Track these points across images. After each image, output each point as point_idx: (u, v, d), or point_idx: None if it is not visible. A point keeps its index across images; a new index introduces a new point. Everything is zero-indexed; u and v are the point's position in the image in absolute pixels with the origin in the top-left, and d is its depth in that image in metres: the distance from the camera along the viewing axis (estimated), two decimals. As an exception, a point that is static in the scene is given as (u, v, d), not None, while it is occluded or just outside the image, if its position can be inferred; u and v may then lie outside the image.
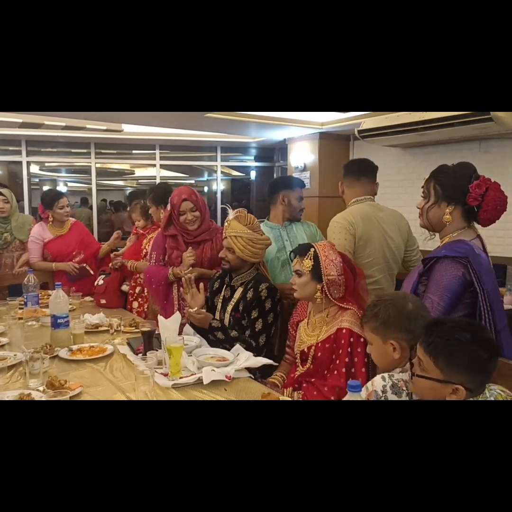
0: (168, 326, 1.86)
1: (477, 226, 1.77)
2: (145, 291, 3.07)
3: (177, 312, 1.98)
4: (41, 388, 1.67)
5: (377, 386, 1.33)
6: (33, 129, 5.39)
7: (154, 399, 1.60)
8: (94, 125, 5.34)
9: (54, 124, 5.10)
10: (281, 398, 1.56)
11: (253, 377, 1.87)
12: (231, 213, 2.24)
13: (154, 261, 2.59)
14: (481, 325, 1.22)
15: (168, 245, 2.53)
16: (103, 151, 6.82)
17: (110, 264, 3.15)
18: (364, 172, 2.49)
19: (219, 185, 7.34)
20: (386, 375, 1.36)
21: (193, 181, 9.02)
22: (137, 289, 3.14)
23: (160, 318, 1.91)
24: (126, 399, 1.63)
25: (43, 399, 1.57)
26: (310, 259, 1.92)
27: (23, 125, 5.16)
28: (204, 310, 2.14)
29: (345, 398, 0.97)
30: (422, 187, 1.82)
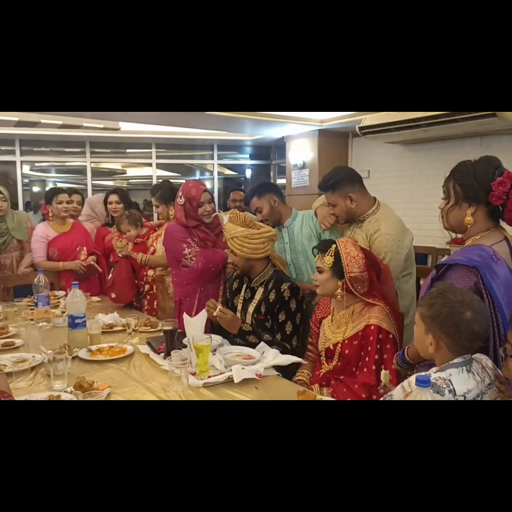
0: (194, 324, 1.83)
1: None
2: (154, 288, 3.03)
3: (203, 310, 1.94)
4: (68, 390, 1.63)
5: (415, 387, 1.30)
6: (29, 127, 5.29)
7: (188, 399, 1.57)
8: (91, 124, 5.27)
9: (50, 122, 5.02)
10: (318, 396, 1.54)
11: (281, 375, 1.84)
12: (225, 217, 2.22)
13: (195, 245, 2.46)
14: None
15: (197, 237, 2.47)
16: (97, 150, 6.74)
17: (118, 252, 3.03)
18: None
19: (215, 184, 7.30)
20: (423, 373, 1.34)
21: (184, 181, 8.94)
22: (146, 287, 3.09)
23: (186, 316, 1.88)
24: (156, 399, 1.60)
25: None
26: (331, 255, 1.90)
27: (19, 124, 5.08)
28: (231, 311, 2.10)
29: (414, 393, 0.95)
30: (443, 186, 1.75)
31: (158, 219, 3.34)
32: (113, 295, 2.91)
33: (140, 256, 2.95)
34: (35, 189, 7.98)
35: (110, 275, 2.93)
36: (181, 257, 2.46)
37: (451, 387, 1.22)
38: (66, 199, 3.44)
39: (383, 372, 1.61)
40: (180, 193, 2.49)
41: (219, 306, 2.09)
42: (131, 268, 3.01)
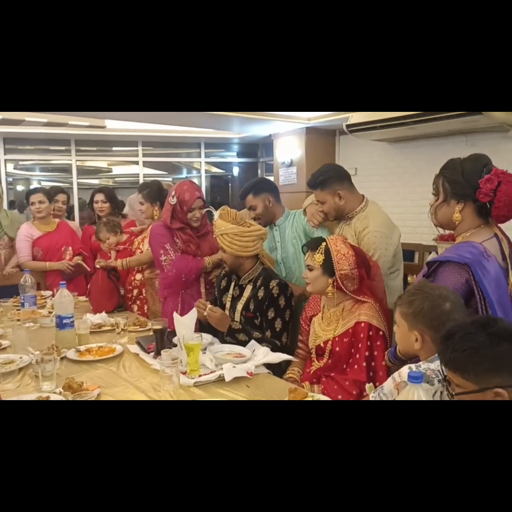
0: (185, 323, 1.82)
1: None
2: (143, 292, 2.99)
3: (194, 309, 1.93)
4: (57, 391, 1.61)
5: (406, 377, 1.32)
6: (13, 125, 5.21)
7: (179, 398, 1.56)
8: (76, 121, 5.21)
9: (35, 120, 4.95)
10: (309, 393, 1.54)
11: (271, 373, 1.84)
12: (216, 214, 2.22)
13: (172, 253, 2.44)
14: (491, 319, 1.13)
15: (179, 239, 2.45)
16: (82, 148, 6.66)
17: (96, 263, 2.94)
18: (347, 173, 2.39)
19: (203, 182, 7.27)
20: (413, 366, 1.36)
21: (170, 179, 8.89)
22: (135, 292, 3.03)
23: (176, 315, 1.87)
24: (147, 399, 1.59)
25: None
26: (321, 253, 1.91)
27: (3, 122, 4.99)
28: (220, 309, 2.10)
29: (406, 389, 0.95)
30: (433, 183, 1.73)
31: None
32: (91, 306, 2.84)
33: (119, 263, 2.86)
34: (19, 188, 7.86)
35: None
36: (159, 262, 2.46)
37: (440, 377, 1.23)
38: (37, 199, 3.42)
39: (367, 385, 1.64)
40: (173, 193, 2.43)
41: (209, 305, 2.08)
42: (108, 279, 2.85)
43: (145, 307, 2.95)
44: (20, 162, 7.14)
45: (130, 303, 3.02)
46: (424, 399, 0.95)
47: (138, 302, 3.01)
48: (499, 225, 1.67)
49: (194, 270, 2.45)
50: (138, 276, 2.98)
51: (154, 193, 2.98)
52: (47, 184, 7.85)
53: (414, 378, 0.93)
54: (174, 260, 2.43)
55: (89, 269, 3.32)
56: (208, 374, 1.74)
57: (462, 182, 1.61)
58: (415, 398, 0.93)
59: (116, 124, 5.74)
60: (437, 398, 1.21)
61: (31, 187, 7.13)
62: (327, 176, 2.29)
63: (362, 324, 1.81)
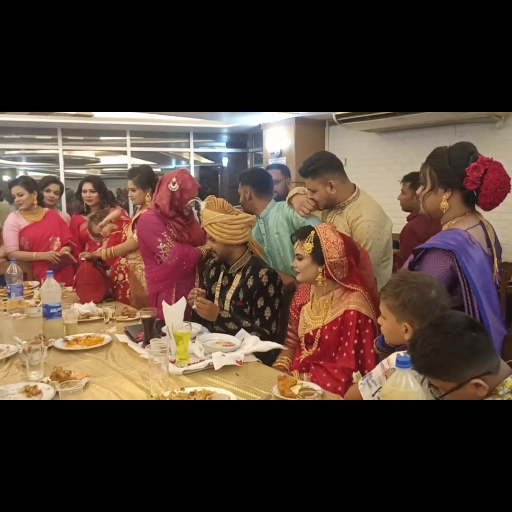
0: (173, 312, 1.81)
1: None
2: (126, 277, 2.97)
3: (182, 298, 1.92)
4: (45, 380, 1.60)
5: (394, 364, 1.33)
6: (-2, 113, 5.14)
7: (168, 387, 1.55)
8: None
9: (21, 108, 4.88)
10: (298, 381, 1.54)
11: (261, 361, 1.85)
12: (203, 204, 2.21)
13: (170, 240, 2.44)
14: (444, 317, 1.16)
15: (173, 227, 2.44)
16: (69, 137, 6.58)
17: (81, 256, 2.92)
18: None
19: (192, 172, 7.23)
20: (401, 352, 1.36)
21: (159, 169, 8.81)
22: (120, 276, 3.01)
23: (165, 304, 1.86)
24: (136, 387, 1.60)
25: (51, 390, 1.51)
26: (311, 242, 1.90)
27: (-12, 110, 4.91)
28: (209, 301, 2.09)
29: (395, 374, 0.96)
30: (419, 172, 1.73)
31: (134, 205, 3.26)
32: (78, 298, 2.81)
33: (103, 252, 2.84)
34: (5, 178, 7.75)
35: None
36: (155, 251, 2.44)
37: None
38: (16, 192, 3.39)
39: (354, 374, 1.65)
40: (174, 179, 2.41)
41: (197, 291, 2.08)
42: (95, 269, 2.82)
43: (127, 292, 2.94)
44: (6, 152, 7.04)
45: (115, 287, 3.01)
46: (412, 385, 0.96)
47: (122, 286, 2.99)
48: (484, 213, 1.69)
49: (194, 257, 2.48)
50: (123, 261, 2.97)
51: (145, 178, 2.92)
52: (34, 174, 7.73)
53: (402, 363, 0.94)
54: (174, 247, 2.43)
55: (75, 261, 3.29)
56: (197, 362, 1.74)
57: (449, 170, 1.62)
58: (403, 383, 0.94)
59: (103, 113, 5.68)
60: (425, 384, 1.21)
61: (17, 177, 7.04)
62: (319, 165, 2.28)
63: (351, 312, 1.82)
